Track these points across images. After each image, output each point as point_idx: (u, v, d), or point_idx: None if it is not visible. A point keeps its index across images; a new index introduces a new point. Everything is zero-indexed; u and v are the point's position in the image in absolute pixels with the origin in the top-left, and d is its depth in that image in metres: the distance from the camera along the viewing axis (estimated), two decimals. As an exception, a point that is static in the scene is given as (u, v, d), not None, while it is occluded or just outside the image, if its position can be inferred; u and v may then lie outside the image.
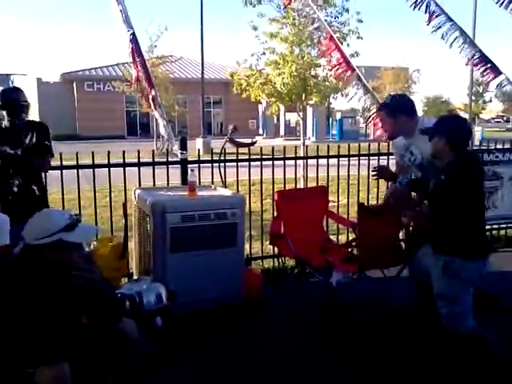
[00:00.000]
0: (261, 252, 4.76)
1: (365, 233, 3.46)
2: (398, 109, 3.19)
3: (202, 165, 4.41)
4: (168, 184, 4.34)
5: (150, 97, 4.47)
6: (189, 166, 4.30)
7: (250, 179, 4.61)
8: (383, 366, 3.02)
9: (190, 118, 28.66)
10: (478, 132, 23.58)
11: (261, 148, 4.57)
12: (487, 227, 5.76)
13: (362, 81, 6.14)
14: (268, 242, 3.94)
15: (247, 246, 4.61)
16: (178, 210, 3.43)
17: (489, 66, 5.78)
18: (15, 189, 3.42)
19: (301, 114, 9.49)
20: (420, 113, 56.17)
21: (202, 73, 19.41)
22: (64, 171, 4.04)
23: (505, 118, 52.14)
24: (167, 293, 3.18)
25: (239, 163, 4.52)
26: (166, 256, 3.41)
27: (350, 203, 5.14)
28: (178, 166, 4.38)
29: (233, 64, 10.37)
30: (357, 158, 5.16)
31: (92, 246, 3.58)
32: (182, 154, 4.27)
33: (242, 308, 3.67)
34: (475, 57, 5.67)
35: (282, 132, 31.58)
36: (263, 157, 4.59)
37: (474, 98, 30.84)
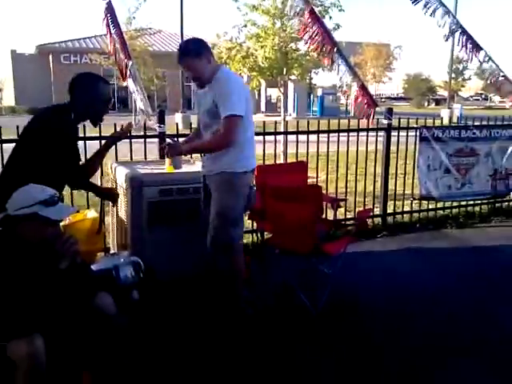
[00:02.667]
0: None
1: (273, 214, 3.43)
2: (202, 48, 3.02)
3: (181, 139, 4.35)
4: (145, 158, 4.28)
5: (128, 69, 4.35)
6: (167, 139, 4.23)
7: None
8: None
9: (169, 93, 28.23)
10: (456, 109, 23.81)
11: (240, 122, 4.51)
12: (463, 203, 5.90)
13: (343, 55, 6.09)
14: (247, 218, 3.93)
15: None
16: (155, 184, 3.40)
17: (470, 41, 5.78)
18: None
19: (282, 89, 9.42)
20: (400, 89, 56.07)
21: (182, 46, 18.98)
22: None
23: (483, 96, 52.72)
24: (144, 268, 3.16)
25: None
26: (144, 230, 3.38)
27: (330, 179, 5.17)
28: (156, 140, 4.32)
29: (213, 38, 10.18)
30: (336, 133, 5.17)
31: (68, 221, 3.53)
32: (160, 127, 4.21)
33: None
34: (456, 31, 5.66)
35: (262, 108, 31.38)
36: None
37: (453, 75, 31.03)
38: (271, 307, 3.46)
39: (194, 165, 3.95)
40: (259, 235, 4.14)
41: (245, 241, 4.66)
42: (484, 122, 5.88)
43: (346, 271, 3.73)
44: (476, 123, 5.83)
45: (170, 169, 3.62)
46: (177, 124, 4.55)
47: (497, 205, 6.10)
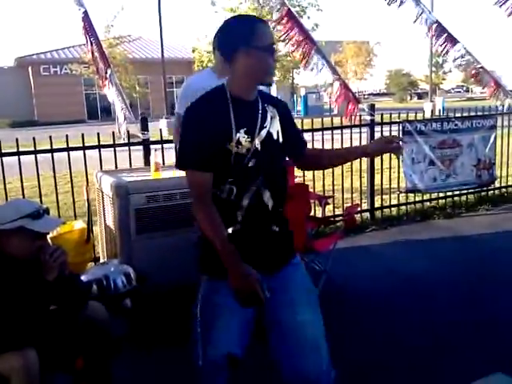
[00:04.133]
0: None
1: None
2: None
3: (165, 145, 4.34)
4: (131, 166, 4.27)
5: (107, 77, 4.33)
6: (152, 146, 4.23)
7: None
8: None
9: (152, 99, 28.14)
10: (439, 102, 24.07)
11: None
12: (449, 193, 5.96)
13: (323, 55, 6.13)
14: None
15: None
16: (141, 191, 3.37)
17: (446, 35, 5.87)
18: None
19: (264, 90, 9.46)
20: (382, 86, 56.69)
21: (162, 51, 18.99)
22: (22, 157, 3.92)
23: (464, 88, 53.33)
24: (136, 275, 3.15)
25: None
26: (132, 238, 3.36)
27: (316, 177, 5.20)
28: (141, 147, 4.31)
29: (194, 41, 10.21)
30: (320, 132, 5.20)
31: (55, 232, 3.50)
32: (143, 134, 4.20)
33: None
34: (433, 26, 5.74)
35: (247, 110, 31.33)
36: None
37: (434, 69, 31.33)
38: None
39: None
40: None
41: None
42: (465, 114, 5.96)
43: (337, 267, 3.75)
44: (457, 115, 5.90)
45: (157, 175, 3.62)
46: (160, 130, 4.54)
47: (482, 194, 6.18)
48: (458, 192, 5.98)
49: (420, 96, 45.80)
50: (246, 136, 1.75)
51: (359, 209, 5.28)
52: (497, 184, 6.26)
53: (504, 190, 6.37)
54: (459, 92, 52.14)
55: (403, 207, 5.74)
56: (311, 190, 4.87)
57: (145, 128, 4.21)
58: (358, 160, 5.43)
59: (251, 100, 1.83)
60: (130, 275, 3.12)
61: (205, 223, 1.74)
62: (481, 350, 2.84)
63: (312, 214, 4.39)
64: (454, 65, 6.72)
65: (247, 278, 1.67)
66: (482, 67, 6.00)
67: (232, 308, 1.75)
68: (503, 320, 3.19)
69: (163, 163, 4.15)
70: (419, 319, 3.25)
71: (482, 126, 5.94)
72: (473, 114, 6.00)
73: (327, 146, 5.21)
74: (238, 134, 1.73)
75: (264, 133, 1.79)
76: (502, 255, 4.34)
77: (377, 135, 5.45)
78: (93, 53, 4.50)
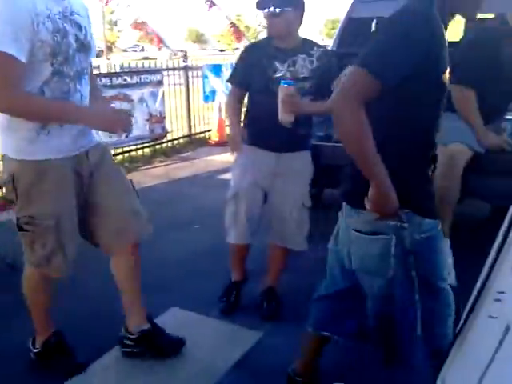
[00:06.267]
0: None
1: None
2: None
3: None
4: None
5: None
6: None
7: None
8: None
9: None
10: (116, 60, 24.18)
11: None
12: (126, 149, 6.09)
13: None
14: None
15: None
16: None
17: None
18: None
19: None
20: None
21: None
22: None
23: (140, 47, 54.99)
24: None
25: None
26: None
27: None
28: None
29: None
30: None
31: None
32: None
33: None
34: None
35: None
36: None
37: (108, 26, 31.10)
38: None
39: None
40: None
41: None
42: (134, 70, 6.10)
43: None
44: (126, 71, 5.98)
45: None
46: None
47: (157, 147, 6.56)
48: (134, 147, 6.17)
49: (97, 54, 45.07)
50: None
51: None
52: (169, 137, 6.73)
53: (176, 142, 6.92)
54: (135, 51, 53.61)
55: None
56: None
57: None
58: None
59: None
60: None
61: (356, 132, 1.37)
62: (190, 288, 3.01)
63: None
64: (128, 25, 6.76)
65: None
66: (143, 22, 6.21)
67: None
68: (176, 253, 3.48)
69: None
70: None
71: (151, 82, 6.21)
72: (141, 69, 6.20)
73: None
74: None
75: None
76: (175, 199, 4.73)
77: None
78: None
